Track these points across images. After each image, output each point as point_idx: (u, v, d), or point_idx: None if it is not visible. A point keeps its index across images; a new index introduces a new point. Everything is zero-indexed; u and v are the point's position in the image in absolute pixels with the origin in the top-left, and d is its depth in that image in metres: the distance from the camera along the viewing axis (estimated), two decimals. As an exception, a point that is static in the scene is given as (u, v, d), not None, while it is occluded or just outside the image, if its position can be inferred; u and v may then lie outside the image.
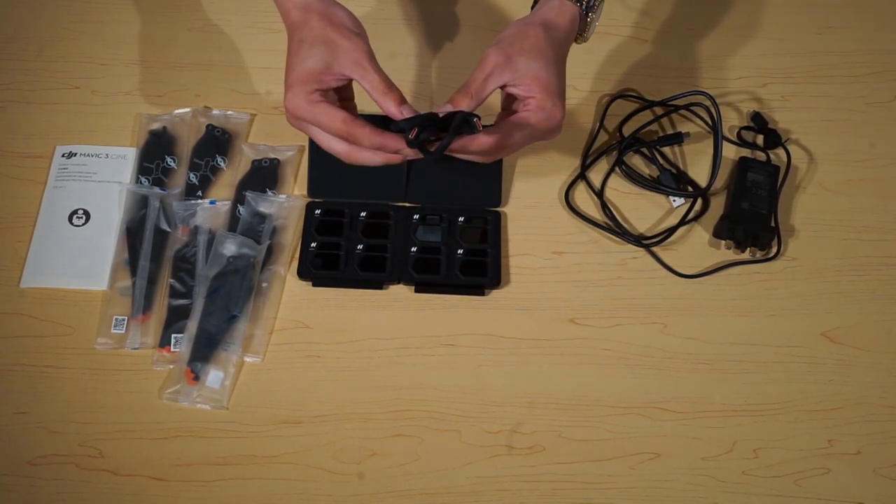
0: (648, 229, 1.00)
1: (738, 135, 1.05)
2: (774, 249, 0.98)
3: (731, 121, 1.07)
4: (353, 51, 0.82)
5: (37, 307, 0.93)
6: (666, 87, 1.08)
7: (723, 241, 0.98)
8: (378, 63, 0.82)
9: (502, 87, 0.85)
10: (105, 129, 1.03)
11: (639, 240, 0.98)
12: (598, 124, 1.05)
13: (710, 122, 1.05)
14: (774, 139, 1.04)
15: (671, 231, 0.98)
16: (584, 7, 0.88)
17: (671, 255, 0.98)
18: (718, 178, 1.01)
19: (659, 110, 1.06)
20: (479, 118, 0.81)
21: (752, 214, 0.97)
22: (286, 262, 0.96)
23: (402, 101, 0.81)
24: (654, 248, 0.98)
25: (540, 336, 0.93)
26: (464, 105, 0.82)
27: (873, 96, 1.09)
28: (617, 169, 1.02)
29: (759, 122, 1.05)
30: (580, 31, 0.90)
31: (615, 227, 0.99)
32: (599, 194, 1.01)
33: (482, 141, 0.81)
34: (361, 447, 0.88)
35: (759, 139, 1.05)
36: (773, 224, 0.98)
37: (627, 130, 1.04)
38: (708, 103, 1.03)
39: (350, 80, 0.84)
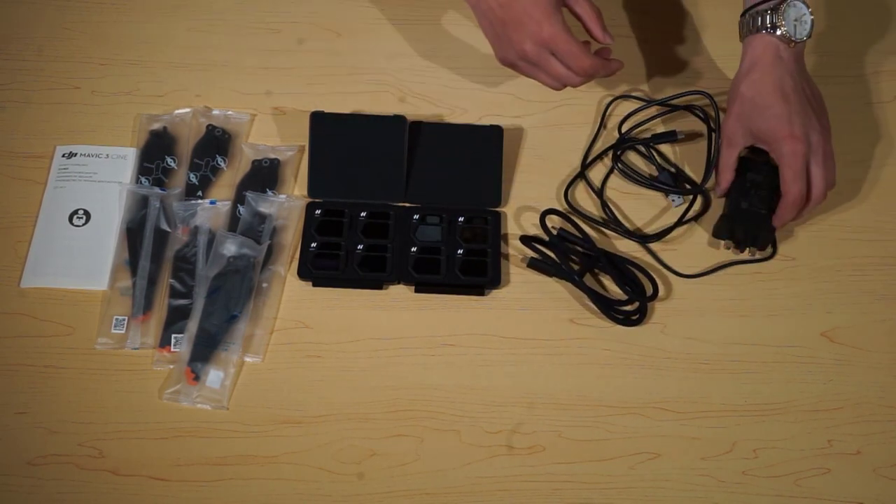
0: (648, 228, 1.00)
1: None
2: (771, 249, 0.98)
3: (731, 121, 1.07)
4: None
5: (37, 307, 0.93)
6: (666, 86, 1.08)
7: (722, 242, 0.98)
8: None
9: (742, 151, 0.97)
10: (105, 129, 1.03)
11: (641, 239, 0.98)
12: (598, 125, 1.05)
13: (709, 121, 1.04)
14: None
15: (670, 229, 0.99)
16: (783, 34, 0.94)
17: (672, 255, 0.98)
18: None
19: (659, 110, 1.06)
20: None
21: (751, 214, 0.97)
22: (286, 262, 0.96)
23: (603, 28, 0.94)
24: (655, 249, 0.98)
25: (540, 336, 0.94)
26: (721, 187, 0.99)
27: (873, 96, 1.09)
28: (615, 168, 1.02)
29: None
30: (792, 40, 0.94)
31: (614, 226, 0.99)
32: (599, 193, 1.01)
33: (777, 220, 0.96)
34: (361, 447, 0.88)
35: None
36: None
37: (626, 130, 1.04)
38: (707, 103, 1.03)
39: None
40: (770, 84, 0.93)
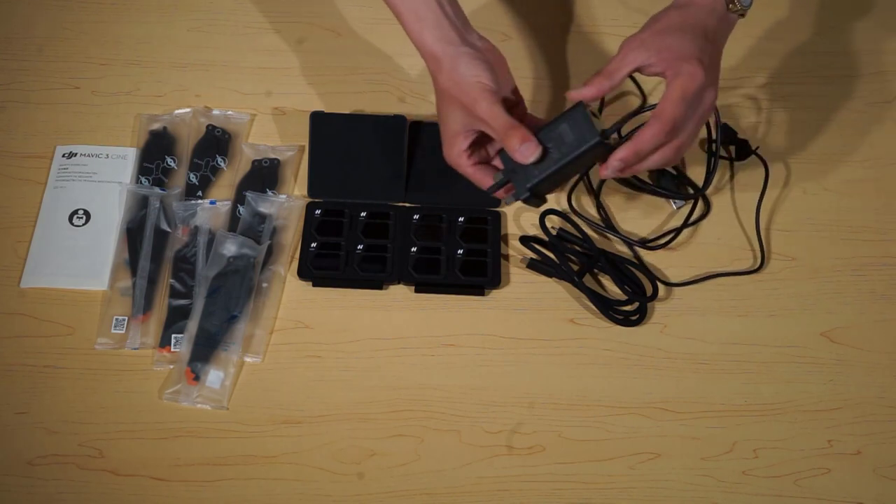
0: (648, 231, 1.00)
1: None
2: (759, 262, 0.98)
3: (732, 120, 1.07)
4: (474, 105, 0.84)
5: (37, 307, 0.93)
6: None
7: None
8: (500, 106, 0.84)
9: (641, 71, 0.85)
10: (105, 129, 1.03)
11: (639, 243, 0.98)
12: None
13: (708, 123, 1.04)
14: (745, 149, 1.03)
15: (673, 235, 0.99)
16: None
17: (672, 256, 0.98)
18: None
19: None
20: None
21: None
22: (286, 262, 0.96)
23: (522, 140, 0.83)
24: (654, 253, 0.98)
25: (540, 336, 0.94)
26: (603, 85, 0.84)
27: (873, 96, 1.09)
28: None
29: (727, 133, 1.04)
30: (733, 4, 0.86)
31: (611, 230, 0.99)
32: (596, 195, 1.01)
33: (614, 161, 0.83)
34: (361, 447, 0.88)
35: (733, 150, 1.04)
36: (757, 231, 0.97)
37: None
38: None
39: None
40: (697, 24, 0.85)
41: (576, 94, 0.84)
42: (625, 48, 0.85)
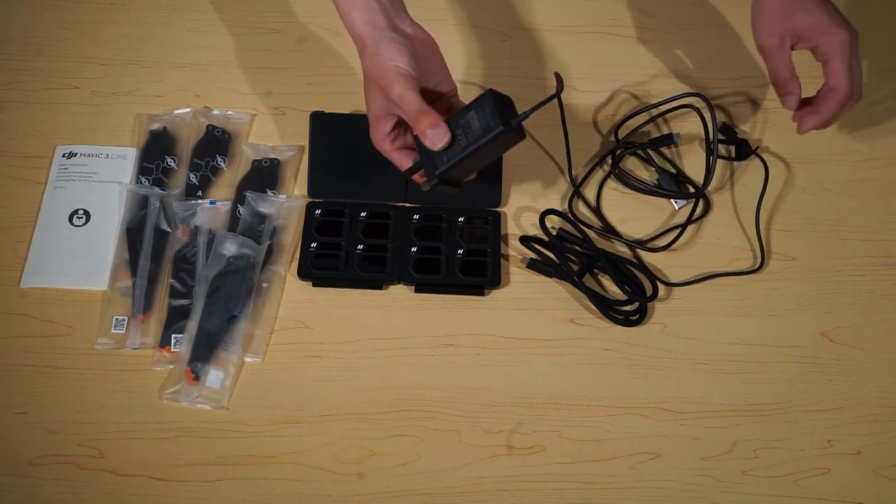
0: (648, 231, 1.00)
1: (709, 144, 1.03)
2: (759, 262, 0.98)
3: (732, 120, 1.07)
4: (389, 89, 0.82)
5: (37, 307, 0.93)
6: (666, 86, 1.08)
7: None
8: (414, 91, 0.82)
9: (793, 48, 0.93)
10: (105, 129, 1.03)
11: (638, 244, 0.98)
12: (596, 125, 1.05)
13: (706, 123, 1.04)
14: (745, 149, 1.03)
15: (665, 234, 0.99)
16: None
17: (673, 255, 0.98)
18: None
19: (651, 114, 1.05)
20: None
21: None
22: (286, 262, 0.96)
23: (432, 124, 0.82)
24: (655, 253, 0.98)
25: (540, 336, 0.94)
26: (797, 91, 0.94)
27: (873, 96, 1.09)
28: (613, 175, 1.02)
29: (728, 133, 1.04)
30: None
31: (611, 231, 0.99)
32: (597, 195, 1.01)
33: (805, 127, 0.96)
34: (361, 447, 0.88)
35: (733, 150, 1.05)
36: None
37: (622, 133, 1.04)
38: (702, 104, 1.03)
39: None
40: None
41: (800, 121, 0.96)
42: (767, 45, 0.93)
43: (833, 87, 0.92)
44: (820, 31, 0.91)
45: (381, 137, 0.88)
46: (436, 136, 0.82)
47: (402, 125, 0.88)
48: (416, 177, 0.88)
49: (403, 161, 0.88)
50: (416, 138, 0.86)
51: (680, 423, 0.90)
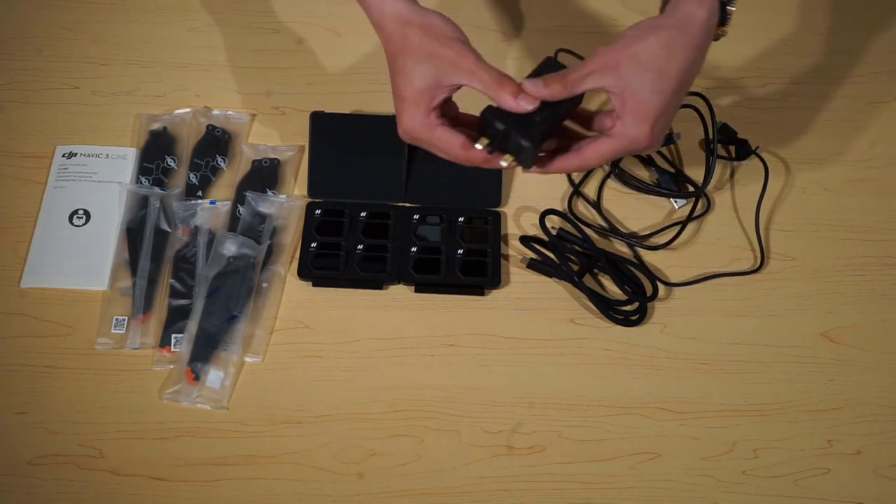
0: (648, 230, 1.00)
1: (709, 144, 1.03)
2: (759, 262, 0.98)
3: (732, 120, 1.06)
4: (458, 58, 0.79)
5: (37, 307, 0.93)
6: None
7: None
8: (484, 60, 0.79)
9: (602, 89, 0.80)
10: (105, 129, 1.03)
11: (637, 241, 0.98)
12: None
13: (705, 122, 1.04)
14: (745, 149, 1.03)
15: (664, 231, 0.99)
16: None
17: (673, 255, 0.98)
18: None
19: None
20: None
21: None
22: (286, 262, 0.96)
23: (517, 91, 0.77)
24: (654, 253, 0.98)
25: (540, 336, 0.94)
26: (554, 90, 0.78)
27: (873, 96, 1.09)
28: (613, 175, 1.02)
29: (727, 133, 1.04)
30: (720, 22, 0.81)
31: (615, 236, 0.99)
32: (597, 194, 1.01)
33: (558, 165, 0.81)
34: (361, 447, 0.88)
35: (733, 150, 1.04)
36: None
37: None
38: (702, 104, 1.02)
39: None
40: (682, 61, 0.78)
41: (531, 89, 0.78)
42: (596, 61, 0.79)
43: (591, 145, 0.81)
44: (634, 113, 0.79)
45: (426, 112, 0.80)
46: (527, 98, 0.77)
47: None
48: (494, 159, 0.81)
49: (452, 139, 0.81)
50: (485, 115, 0.80)
51: (680, 423, 0.90)
